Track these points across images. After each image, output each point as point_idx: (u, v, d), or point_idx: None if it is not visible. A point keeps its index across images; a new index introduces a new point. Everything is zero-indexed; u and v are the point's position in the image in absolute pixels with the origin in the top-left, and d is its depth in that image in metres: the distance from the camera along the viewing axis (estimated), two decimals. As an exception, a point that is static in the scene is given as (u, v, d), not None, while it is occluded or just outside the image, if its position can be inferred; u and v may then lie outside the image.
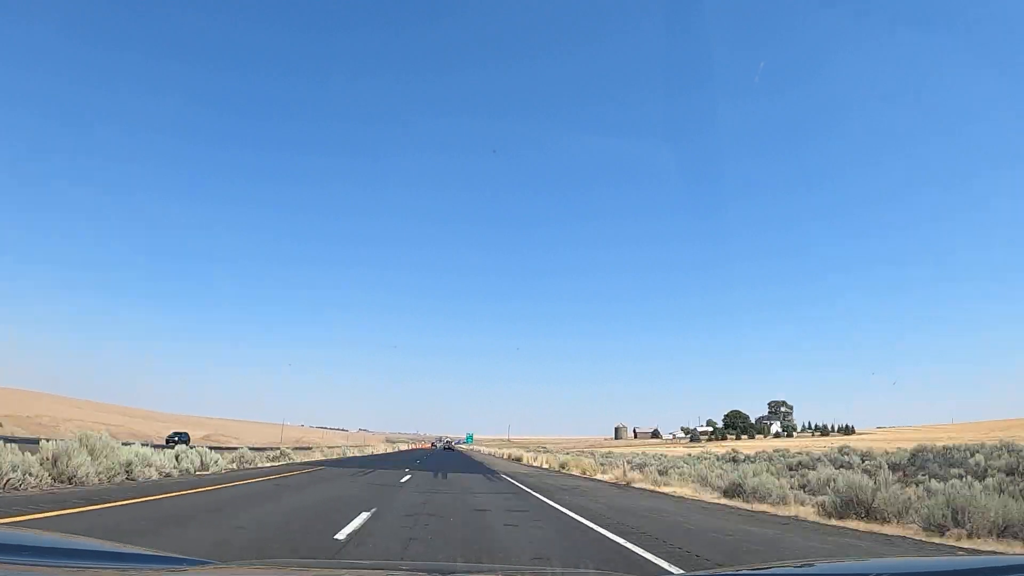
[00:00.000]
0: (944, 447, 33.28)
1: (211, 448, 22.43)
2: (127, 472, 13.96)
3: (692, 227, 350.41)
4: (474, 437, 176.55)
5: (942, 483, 14.35)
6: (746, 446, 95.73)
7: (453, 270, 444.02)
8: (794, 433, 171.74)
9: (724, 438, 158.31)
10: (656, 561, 7.01)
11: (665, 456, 48.35)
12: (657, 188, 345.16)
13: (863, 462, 30.23)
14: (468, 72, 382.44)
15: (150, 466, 15.08)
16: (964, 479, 13.82)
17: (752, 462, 31.55)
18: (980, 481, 14.38)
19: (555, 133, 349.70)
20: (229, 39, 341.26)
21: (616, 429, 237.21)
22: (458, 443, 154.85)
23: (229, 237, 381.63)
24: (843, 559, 4.09)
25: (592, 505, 13.96)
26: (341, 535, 7.75)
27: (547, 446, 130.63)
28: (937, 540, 9.35)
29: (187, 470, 17.26)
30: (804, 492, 15.96)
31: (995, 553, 7.95)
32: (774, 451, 48.95)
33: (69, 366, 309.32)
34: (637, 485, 22.57)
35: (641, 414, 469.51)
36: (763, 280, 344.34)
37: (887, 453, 36.45)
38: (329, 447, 65.83)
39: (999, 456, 26.45)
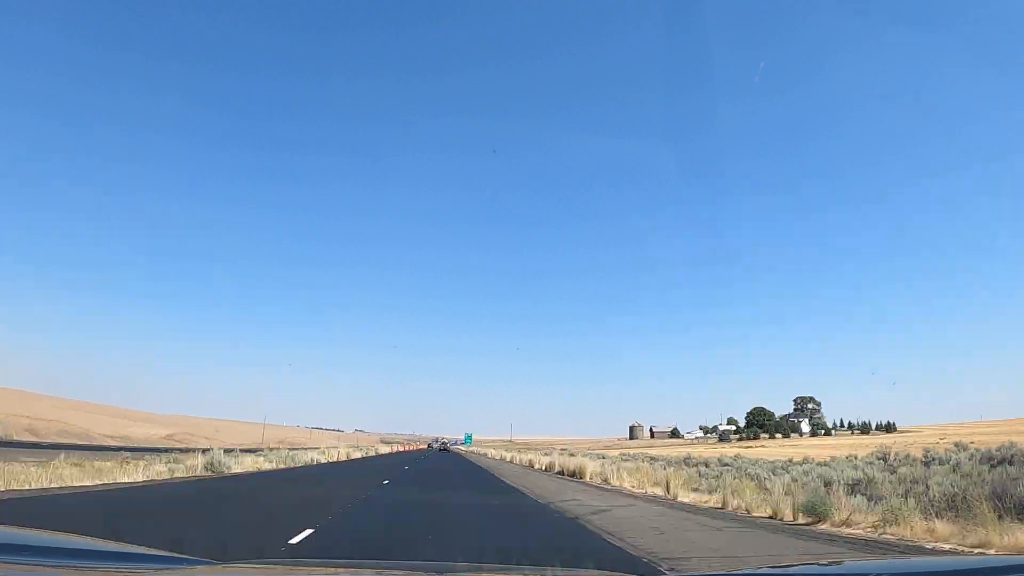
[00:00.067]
0: None
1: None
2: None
3: (692, 224, 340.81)
4: (474, 438, 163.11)
5: None
6: (793, 448, 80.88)
7: (453, 270, 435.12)
8: (833, 432, 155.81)
9: (756, 437, 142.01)
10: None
11: (740, 458, 33.58)
12: (657, 187, 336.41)
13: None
14: (468, 72, 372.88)
15: None
16: None
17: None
18: None
19: (555, 133, 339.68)
20: (229, 39, 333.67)
21: (631, 428, 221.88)
22: (454, 444, 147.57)
23: (229, 237, 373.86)
24: (843, 560, 3.54)
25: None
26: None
27: (556, 447, 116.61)
28: None
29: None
30: None
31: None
32: (874, 453, 34.50)
33: (68, 366, 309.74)
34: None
35: (655, 412, 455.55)
36: (774, 276, 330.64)
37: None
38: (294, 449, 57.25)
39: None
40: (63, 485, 17.36)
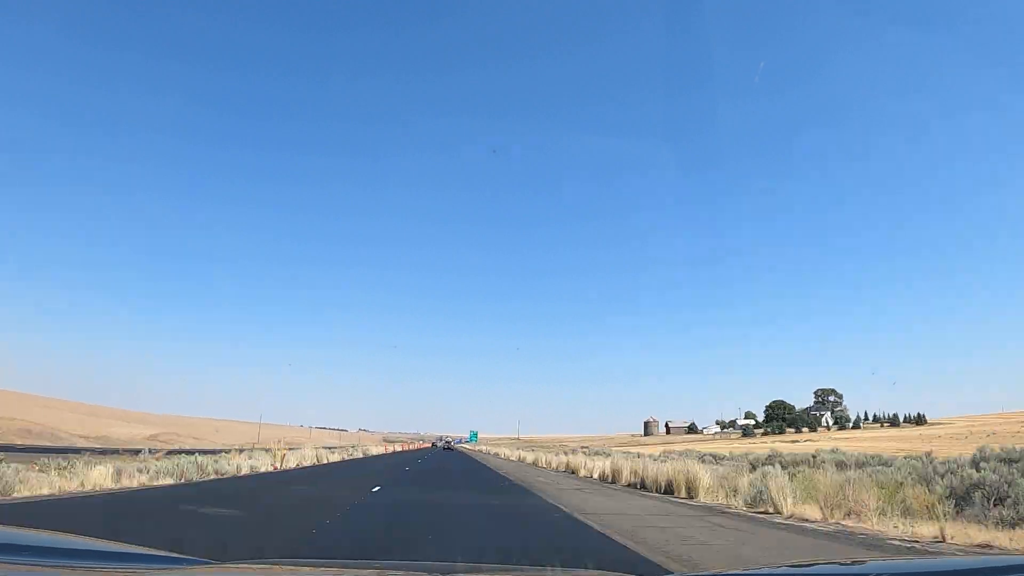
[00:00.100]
0: None
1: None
2: None
3: (692, 224, 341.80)
4: (480, 436, 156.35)
5: None
6: (835, 441, 73.46)
7: (453, 270, 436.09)
8: (861, 424, 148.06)
9: (782, 432, 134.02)
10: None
11: (819, 452, 26.44)
12: (657, 187, 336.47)
13: None
14: (468, 72, 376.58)
15: None
16: None
17: None
18: None
19: (555, 133, 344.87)
20: (229, 39, 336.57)
21: (645, 424, 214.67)
22: (459, 443, 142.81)
23: (229, 237, 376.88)
24: (842, 560, 3.10)
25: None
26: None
27: (569, 445, 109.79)
28: None
29: None
30: None
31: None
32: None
33: (68, 367, 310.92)
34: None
35: (669, 407, 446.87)
36: (774, 276, 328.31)
37: None
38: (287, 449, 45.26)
39: None
40: None
